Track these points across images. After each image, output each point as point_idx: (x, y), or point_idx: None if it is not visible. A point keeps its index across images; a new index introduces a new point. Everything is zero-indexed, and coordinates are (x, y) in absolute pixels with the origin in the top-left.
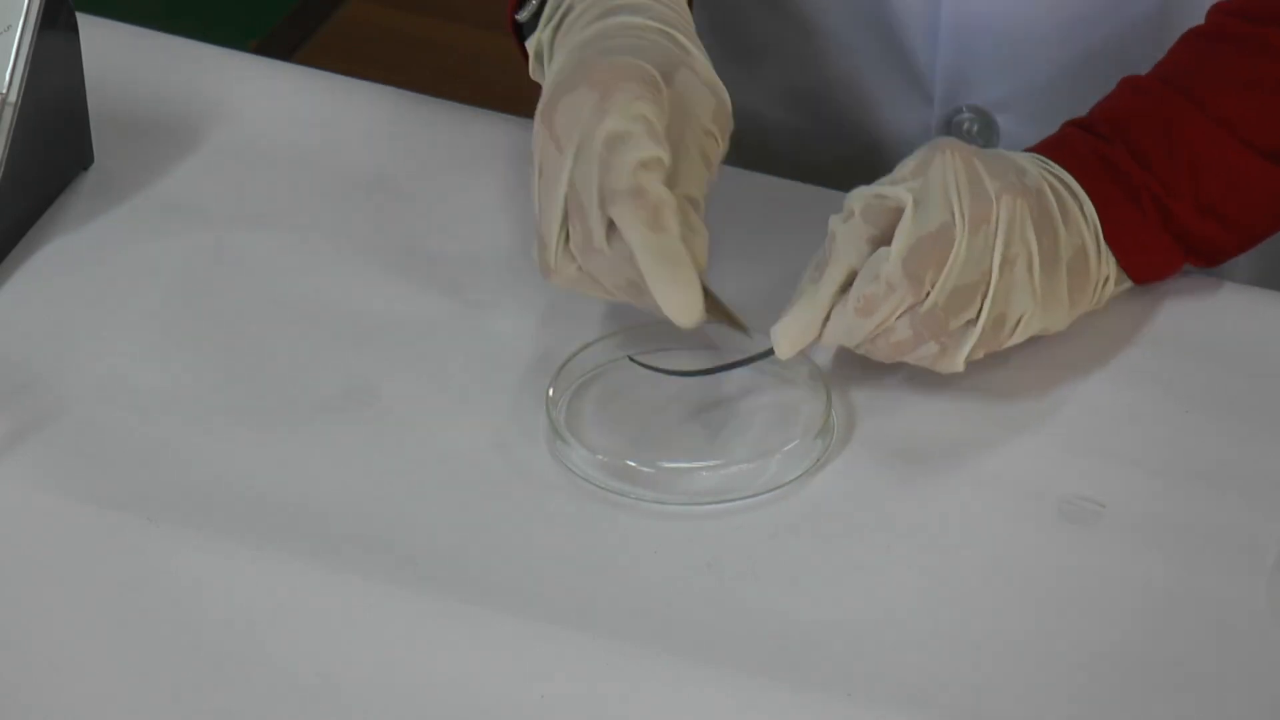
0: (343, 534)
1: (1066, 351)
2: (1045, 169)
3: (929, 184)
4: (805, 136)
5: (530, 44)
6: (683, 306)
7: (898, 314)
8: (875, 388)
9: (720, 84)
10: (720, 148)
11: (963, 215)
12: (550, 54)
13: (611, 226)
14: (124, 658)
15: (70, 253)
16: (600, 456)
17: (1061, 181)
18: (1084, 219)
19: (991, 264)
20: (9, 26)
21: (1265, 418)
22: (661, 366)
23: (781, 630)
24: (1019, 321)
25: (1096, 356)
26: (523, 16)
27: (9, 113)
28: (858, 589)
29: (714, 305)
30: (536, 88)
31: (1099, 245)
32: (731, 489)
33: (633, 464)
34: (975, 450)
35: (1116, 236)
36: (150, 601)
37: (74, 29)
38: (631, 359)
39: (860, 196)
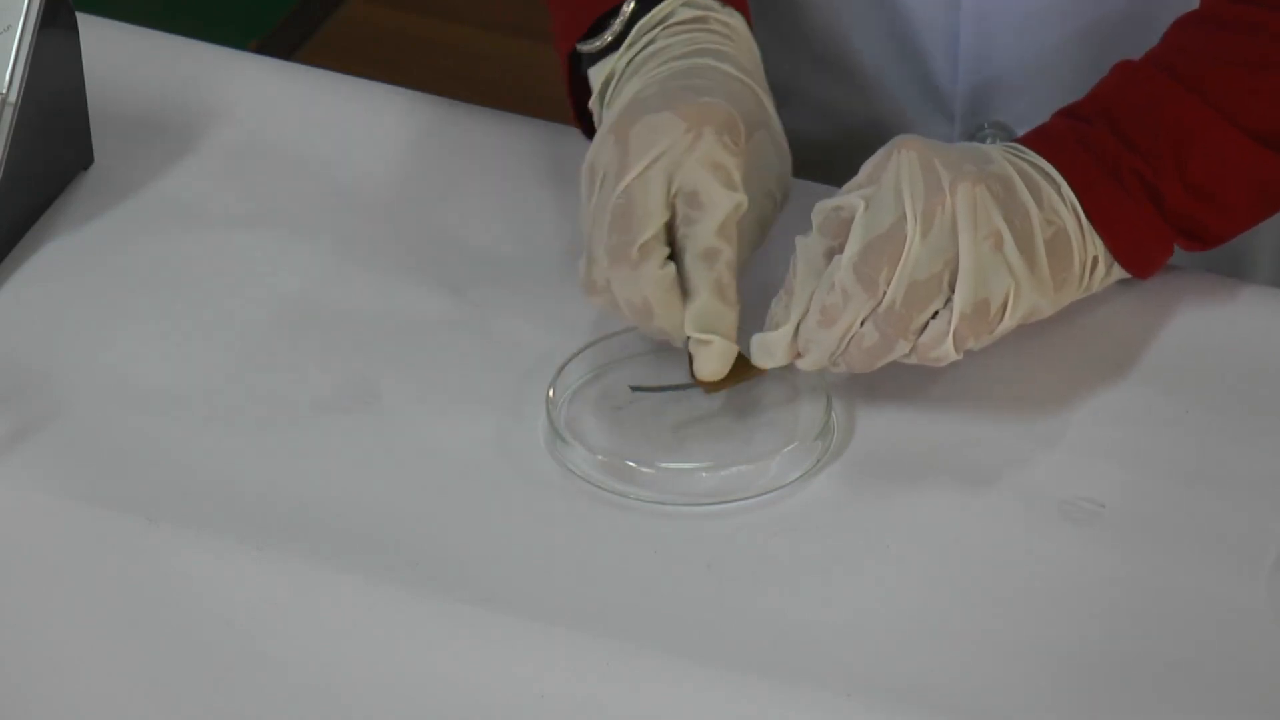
0: (343, 534)
1: (1067, 351)
2: (1015, 155)
3: (882, 185)
4: (826, 152)
5: (597, 71)
6: (713, 372)
7: (860, 319)
8: (875, 389)
9: (788, 150)
10: (777, 213)
11: (914, 210)
12: (621, 82)
13: (645, 249)
14: (124, 658)
15: (70, 253)
16: (600, 456)
17: (1033, 165)
18: (1060, 200)
19: (956, 252)
20: (9, 26)
21: (1265, 418)
22: (660, 384)
23: (782, 630)
24: (1005, 305)
25: (1097, 357)
26: (592, 47)
27: (9, 113)
28: (858, 589)
29: (737, 369)
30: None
31: (1081, 226)
32: (731, 490)
33: (633, 464)
34: (975, 450)
35: (1100, 214)
36: (150, 601)
37: (74, 29)
38: (633, 389)
39: (819, 211)
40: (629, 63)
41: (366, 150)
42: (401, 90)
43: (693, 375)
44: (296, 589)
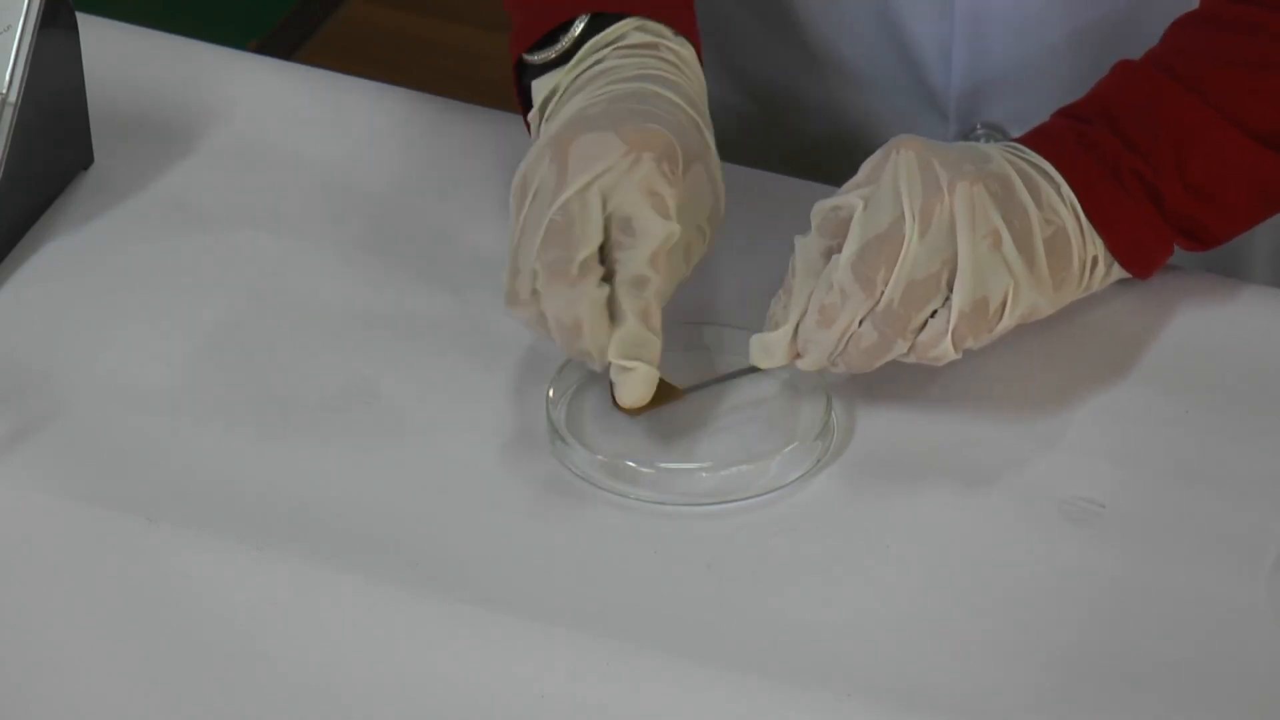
0: (342, 534)
1: (1067, 351)
2: (1014, 155)
3: (880, 185)
4: (821, 151)
5: (542, 83)
6: (636, 399)
7: (858, 319)
8: (875, 389)
9: (722, 185)
10: (705, 247)
11: (913, 210)
12: (564, 98)
13: (584, 266)
14: (124, 658)
15: (70, 253)
16: (600, 456)
17: (1032, 165)
18: (1060, 199)
19: (955, 251)
20: (9, 26)
21: (1265, 418)
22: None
23: (782, 630)
24: (1004, 303)
25: (1097, 357)
26: (539, 59)
27: (9, 113)
28: (857, 589)
29: (658, 394)
30: None
31: (1081, 225)
32: (731, 490)
33: (633, 464)
34: (975, 450)
35: (1100, 214)
36: (150, 601)
37: (74, 29)
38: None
39: (818, 210)
40: (575, 79)
41: (366, 150)
42: (401, 90)
43: (613, 400)
44: (296, 589)
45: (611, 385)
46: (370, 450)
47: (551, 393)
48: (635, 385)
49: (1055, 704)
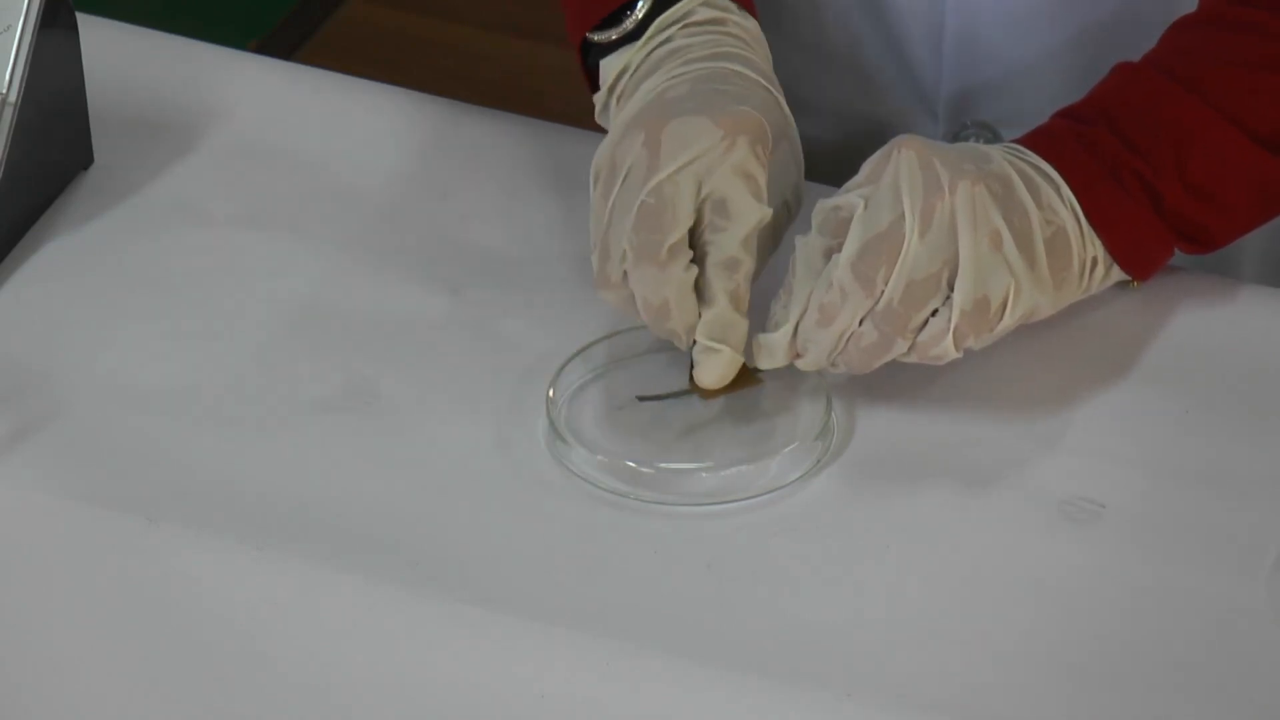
0: (343, 534)
1: (1067, 351)
2: (1014, 155)
3: (881, 184)
4: (810, 151)
5: (610, 63)
6: (717, 380)
7: (858, 318)
8: (875, 389)
9: (803, 159)
10: (790, 222)
11: (913, 209)
12: (637, 77)
13: (673, 250)
14: (124, 657)
15: (70, 253)
16: (600, 457)
17: (1032, 165)
18: (1060, 200)
19: (955, 251)
20: (9, 26)
21: (1265, 418)
22: (665, 393)
23: (781, 630)
24: (1005, 303)
25: (1097, 357)
26: (605, 38)
27: (9, 113)
28: (858, 589)
29: (736, 378)
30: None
31: (1080, 226)
32: (731, 490)
33: (633, 464)
34: (975, 450)
35: (1098, 214)
36: (150, 601)
37: (74, 29)
38: (640, 399)
39: (819, 210)
40: (646, 57)
41: (366, 150)
42: (401, 90)
43: (691, 380)
44: (296, 589)
45: (691, 365)
46: (370, 450)
47: (551, 393)
48: (717, 367)
49: (1054, 703)
